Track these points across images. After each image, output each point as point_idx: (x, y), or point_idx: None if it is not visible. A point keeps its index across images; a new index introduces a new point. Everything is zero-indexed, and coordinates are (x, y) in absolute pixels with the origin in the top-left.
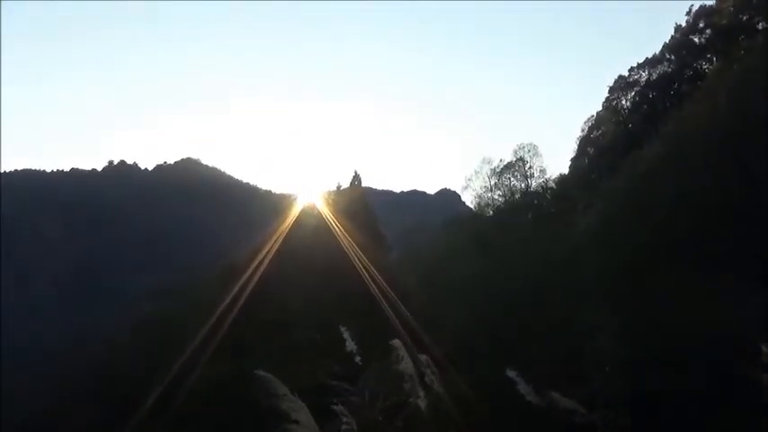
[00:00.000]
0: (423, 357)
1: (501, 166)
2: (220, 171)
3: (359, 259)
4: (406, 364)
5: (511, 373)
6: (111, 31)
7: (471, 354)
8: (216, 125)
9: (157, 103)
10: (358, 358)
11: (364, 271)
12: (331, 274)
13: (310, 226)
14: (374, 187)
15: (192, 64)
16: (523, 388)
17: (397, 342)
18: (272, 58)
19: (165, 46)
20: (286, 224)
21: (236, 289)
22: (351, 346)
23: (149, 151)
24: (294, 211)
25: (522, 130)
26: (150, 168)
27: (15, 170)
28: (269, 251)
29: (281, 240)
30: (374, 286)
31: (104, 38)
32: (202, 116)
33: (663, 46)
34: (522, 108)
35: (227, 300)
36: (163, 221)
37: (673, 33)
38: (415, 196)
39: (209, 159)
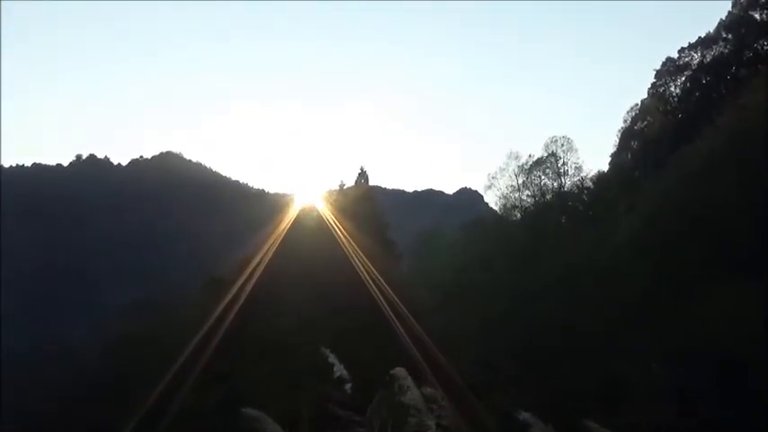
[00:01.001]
0: (428, 390)
1: (530, 163)
2: (206, 167)
3: (365, 269)
4: (413, 395)
5: (524, 415)
6: (85, 23)
7: (496, 377)
8: (204, 121)
9: (142, 96)
10: (348, 386)
11: (371, 282)
12: (332, 286)
13: (309, 230)
14: (383, 186)
15: (181, 57)
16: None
17: (400, 371)
18: (269, 52)
19: (154, 37)
20: (281, 228)
21: (222, 305)
22: (339, 370)
23: (128, 146)
24: (291, 213)
25: (554, 121)
26: (124, 164)
27: None
28: (261, 260)
29: (275, 247)
30: (382, 300)
31: (78, 29)
32: (191, 112)
33: (718, 23)
34: (553, 97)
35: (213, 317)
36: (137, 224)
37: (730, 9)
38: (431, 196)
39: (192, 154)
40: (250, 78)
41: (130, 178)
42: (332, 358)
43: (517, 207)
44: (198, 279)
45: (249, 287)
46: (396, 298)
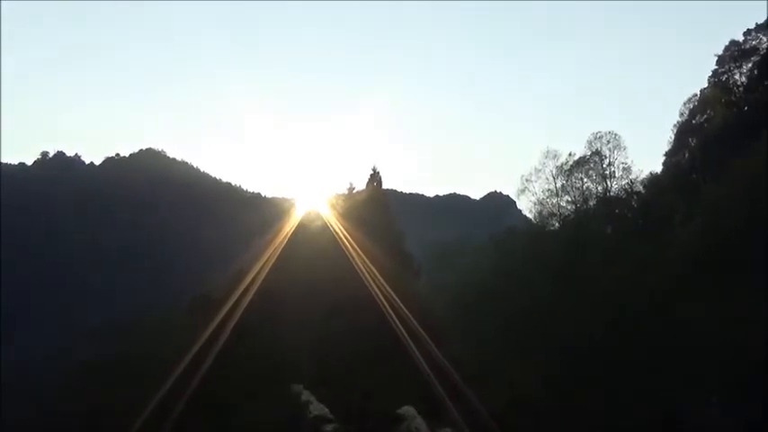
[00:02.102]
0: None
1: (570, 163)
2: (192, 167)
3: (376, 286)
4: None
5: None
6: (54, 14)
7: (535, 417)
8: (190, 117)
9: (120, 89)
10: (330, 427)
11: (384, 302)
12: (339, 305)
13: (312, 240)
14: (399, 190)
15: (165, 47)
16: None
17: (408, 410)
18: (264, 43)
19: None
20: (280, 238)
21: (211, 328)
22: (318, 409)
23: (102, 143)
24: (291, 221)
25: (598, 115)
26: (98, 162)
27: None
28: (256, 276)
29: (273, 260)
30: (396, 321)
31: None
32: (177, 107)
33: None
34: (595, 87)
35: (200, 343)
36: (112, 233)
37: None
38: (454, 202)
39: (177, 152)
40: (243, 70)
41: (105, 179)
42: (306, 395)
43: (555, 215)
44: (182, 297)
45: (244, 303)
46: (413, 319)
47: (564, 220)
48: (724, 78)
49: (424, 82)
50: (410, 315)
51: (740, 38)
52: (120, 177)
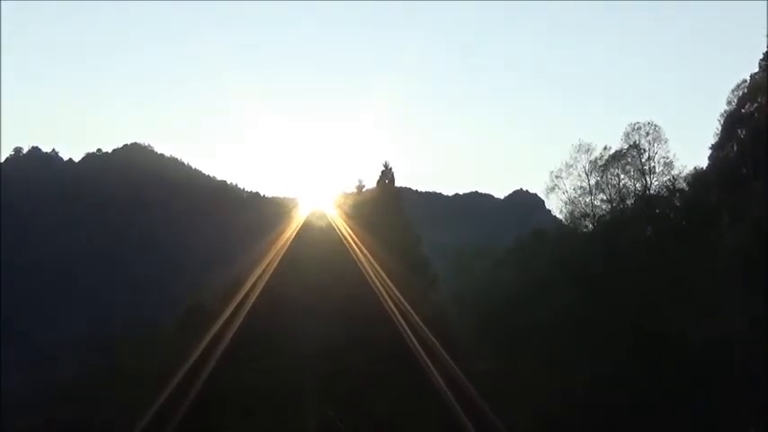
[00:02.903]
0: None
1: (606, 157)
2: (183, 163)
3: (389, 296)
4: None
5: None
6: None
7: None
8: (180, 110)
9: (102, 82)
10: None
11: (396, 314)
12: (346, 318)
13: (317, 244)
14: (414, 188)
15: (154, 36)
16: None
17: None
18: (271, 40)
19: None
20: (281, 241)
21: (204, 344)
22: None
23: (82, 138)
24: (294, 222)
25: (635, 104)
26: (77, 159)
27: None
28: (255, 283)
29: (273, 266)
30: (411, 336)
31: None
32: (167, 100)
33: None
34: (633, 73)
35: (192, 359)
36: (94, 235)
37: None
38: (476, 201)
39: (165, 148)
40: (242, 64)
41: (85, 177)
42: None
43: (588, 215)
44: (173, 306)
45: (241, 316)
46: (428, 332)
47: (598, 221)
48: None
49: (438, 74)
50: (426, 328)
51: None
52: (103, 174)
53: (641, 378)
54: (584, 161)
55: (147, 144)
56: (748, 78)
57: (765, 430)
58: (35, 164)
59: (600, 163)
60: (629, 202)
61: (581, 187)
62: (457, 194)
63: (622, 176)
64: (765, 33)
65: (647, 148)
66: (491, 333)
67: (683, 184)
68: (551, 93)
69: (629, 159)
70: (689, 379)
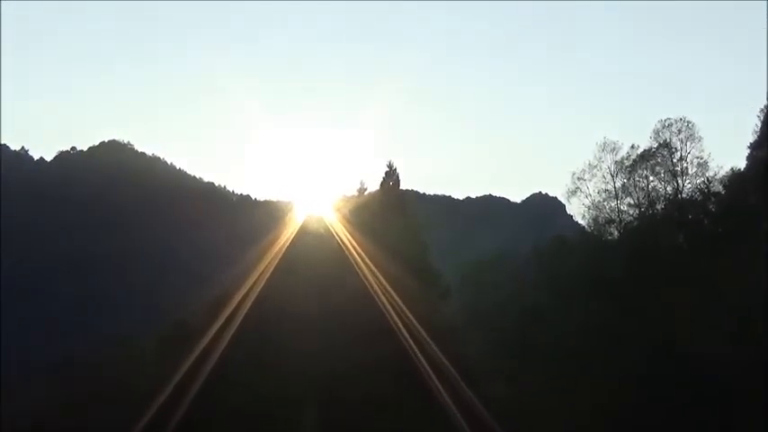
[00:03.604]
0: None
1: (633, 157)
2: (166, 163)
3: (394, 310)
4: None
5: None
6: None
7: None
8: (164, 106)
9: (77, 76)
10: None
11: (401, 329)
12: (347, 336)
13: (314, 252)
14: (422, 192)
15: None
16: None
17: None
18: (266, 36)
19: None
20: (274, 249)
21: (187, 365)
22: None
23: (55, 136)
24: (288, 228)
25: (665, 99)
26: (49, 158)
27: None
28: (245, 297)
29: (266, 277)
30: (420, 357)
31: None
32: (148, 96)
33: None
34: (662, 64)
35: (174, 382)
36: (67, 243)
37: None
38: (491, 205)
39: (147, 146)
40: (231, 55)
41: (58, 177)
42: None
43: (614, 221)
44: (153, 322)
45: (229, 334)
46: (439, 352)
47: (625, 227)
48: None
49: (445, 70)
50: (435, 345)
51: None
52: (78, 174)
53: (671, 403)
54: (609, 161)
55: (126, 142)
56: None
57: None
58: (2, 163)
59: (627, 163)
60: (658, 206)
61: (606, 190)
62: (469, 198)
63: (651, 178)
64: None
65: (678, 147)
66: (508, 350)
67: (718, 187)
68: (572, 87)
69: (659, 159)
70: (717, 407)
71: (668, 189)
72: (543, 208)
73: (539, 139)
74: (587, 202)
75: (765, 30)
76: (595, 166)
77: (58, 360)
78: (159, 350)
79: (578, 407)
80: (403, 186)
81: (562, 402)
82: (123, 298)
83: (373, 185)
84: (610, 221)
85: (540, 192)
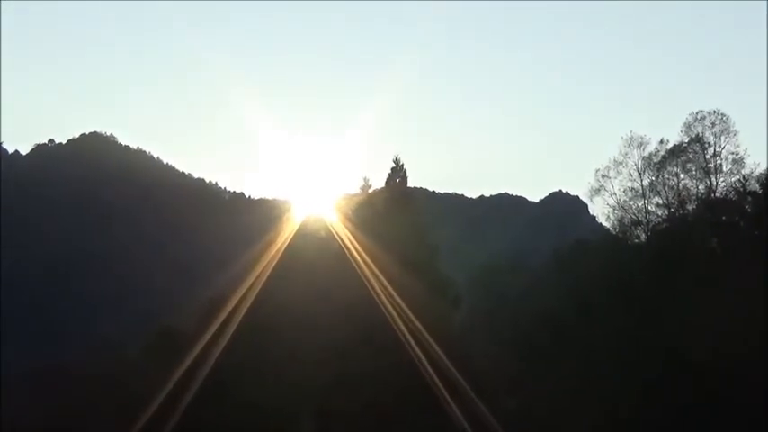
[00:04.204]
0: None
1: (662, 153)
2: (153, 158)
3: (399, 316)
4: None
5: None
6: None
7: None
8: (151, 98)
9: (57, 67)
10: None
11: (410, 339)
12: (350, 345)
13: (313, 255)
14: (431, 189)
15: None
16: None
17: None
18: (263, 28)
19: None
20: (271, 251)
21: (177, 376)
22: None
23: (32, 129)
24: (286, 229)
25: (697, 90)
26: (25, 152)
27: None
28: (240, 302)
29: (262, 281)
30: (428, 368)
31: None
32: (135, 87)
33: None
34: (691, 53)
35: (163, 393)
36: (45, 242)
37: None
38: (506, 205)
39: (131, 139)
40: (225, 46)
41: (34, 172)
42: None
43: (641, 223)
44: (138, 329)
45: (221, 344)
46: (449, 362)
47: (653, 229)
48: None
49: (457, 61)
50: (446, 357)
51: None
52: (56, 168)
53: (699, 423)
54: (635, 157)
55: (109, 134)
56: None
57: None
58: None
59: (655, 160)
60: (689, 207)
61: (632, 189)
62: (482, 197)
63: (682, 176)
64: None
65: (712, 142)
66: (524, 363)
67: (755, 186)
68: (595, 77)
69: (691, 155)
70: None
71: (700, 188)
72: (563, 208)
73: (559, 134)
74: (612, 201)
75: None
76: (621, 163)
77: (28, 371)
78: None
79: (598, 423)
80: (411, 184)
81: (579, 418)
82: (105, 300)
83: (378, 183)
84: (636, 223)
85: (560, 190)
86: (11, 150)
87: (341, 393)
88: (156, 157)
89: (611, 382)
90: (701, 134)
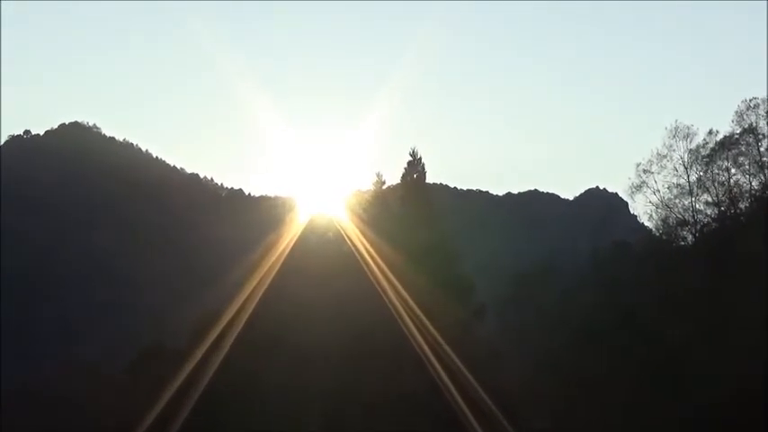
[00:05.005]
0: None
1: (711, 145)
2: (140, 150)
3: (417, 327)
4: None
5: None
6: None
7: None
8: (140, 88)
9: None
10: None
11: (429, 354)
12: (360, 360)
13: (320, 258)
14: (452, 186)
15: None
16: None
17: None
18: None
19: None
20: (272, 255)
21: (166, 399)
22: None
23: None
24: (289, 229)
25: (749, 77)
26: None
27: None
28: (236, 316)
29: (261, 291)
30: (450, 387)
31: None
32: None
33: None
34: (744, 32)
35: (151, 419)
36: (18, 245)
37: None
38: (536, 203)
39: (116, 130)
40: (227, 33)
41: (9, 167)
42: None
43: (688, 223)
44: (122, 346)
45: (216, 364)
46: (474, 381)
47: (701, 230)
48: None
49: (479, 49)
50: (469, 374)
51: None
52: (31, 162)
53: None
54: (681, 150)
55: (91, 125)
56: None
57: None
58: None
59: (703, 153)
60: (742, 205)
61: (677, 185)
62: (510, 194)
63: (733, 170)
64: None
65: (766, 133)
66: (558, 381)
67: None
68: (636, 61)
69: (743, 148)
70: None
71: (754, 183)
72: (601, 206)
73: (596, 125)
74: (655, 199)
75: None
76: (665, 156)
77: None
78: (132, 372)
79: None
80: (429, 179)
81: None
82: (84, 315)
83: (393, 178)
84: (682, 223)
85: (597, 187)
86: None
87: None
88: (144, 149)
89: (654, 405)
90: (754, 124)
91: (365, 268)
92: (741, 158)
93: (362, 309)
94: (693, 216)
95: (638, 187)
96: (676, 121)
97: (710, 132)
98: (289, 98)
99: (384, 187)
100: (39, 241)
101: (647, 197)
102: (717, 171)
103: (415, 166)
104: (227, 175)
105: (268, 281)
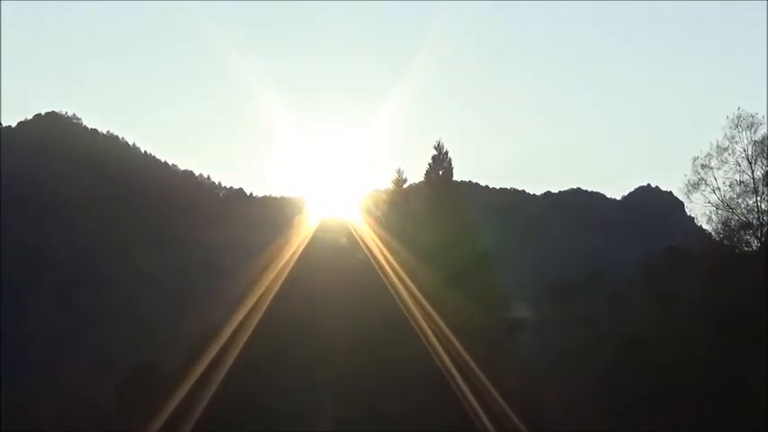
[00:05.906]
0: None
1: None
2: (126, 144)
3: (444, 348)
4: None
5: None
6: None
7: None
8: (129, 76)
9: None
10: None
11: (459, 380)
12: (377, 386)
13: (332, 269)
14: (483, 184)
15: None
16: None
17: None
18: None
19: None
20: (278, 265)
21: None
22: None
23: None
24: (297, 234)
25: None
26: None
27: None
28: (236, 333)
29: (265, 305)
30: (484, 420)
31: None
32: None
33: None
34: None
35: None
36: None
37: None
38: (579, 203)
39: (100, 122)
40: (228, 21)
41: None
42: None
43: (752, 226)
44: (111, 369)
45: (214, 385)
46: (514, 416)
47: None
48: None
49: (512, 36)
50: (504, 401)
51: None
52: (1, 160)
53: None
54: (745, 142)
55: (70, 115)
56: None
57: None
58: None
59: None
60: None
61: (741, 182)
62: (549, 193)
63: None
64: None
65: None
66: (608, 408)
67: None
68: (690, 43)
69: None
70: None
71: None
72: (653, 207)
73: (647, 115)
74: (714, 198)
75: None
76: (726, 150)
77: None
78: (119, 397)
79: None
80: (457, 177)
81: None
82: (63, 333)
83: (416, 176)
84: (746, 226)
85: (649, 185)
86: None
87: None
88: (132, 143)
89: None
90: None
91: (379, 273)
92: None
93: (381, 312)
94: (758, 218)
95: (695, 185)
96: (739, 108)
97: None
98: (297, 95)
99: (405, 186)
100: (18, 245)
101: (705, 196)
102: None
103: (441, 161)
104: (226, 175)
105: (283, 276)
